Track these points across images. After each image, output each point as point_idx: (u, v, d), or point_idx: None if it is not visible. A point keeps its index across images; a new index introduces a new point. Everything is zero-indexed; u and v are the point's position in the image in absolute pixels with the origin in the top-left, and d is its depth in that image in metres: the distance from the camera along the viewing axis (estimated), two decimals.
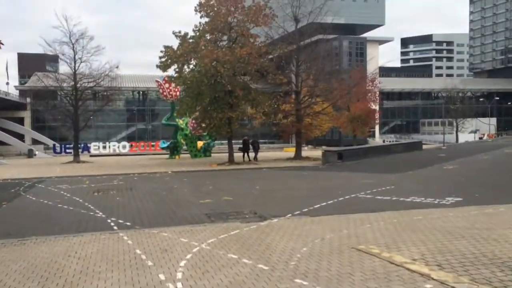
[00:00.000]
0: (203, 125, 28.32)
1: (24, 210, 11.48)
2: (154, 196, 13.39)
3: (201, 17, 27.48)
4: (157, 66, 26.88)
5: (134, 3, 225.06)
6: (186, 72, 26.98)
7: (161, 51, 26.39)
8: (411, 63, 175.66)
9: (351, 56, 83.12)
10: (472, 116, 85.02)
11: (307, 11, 30.69)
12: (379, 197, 11.89)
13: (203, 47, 25.01)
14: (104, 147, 61.57)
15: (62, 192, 14.93)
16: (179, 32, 27.00)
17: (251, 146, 29.78)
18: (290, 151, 53.41)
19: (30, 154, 54.81)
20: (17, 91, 75.24)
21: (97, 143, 62.42)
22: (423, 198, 11.34)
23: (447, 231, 7.43)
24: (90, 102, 40.58)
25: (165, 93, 37.71)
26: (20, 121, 70.39)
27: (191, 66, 27.24)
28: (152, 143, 61.87)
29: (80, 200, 12.74)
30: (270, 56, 28.71)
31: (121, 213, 10.53)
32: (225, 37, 28.21)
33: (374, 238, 7.10)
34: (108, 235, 8.10)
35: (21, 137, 65.63)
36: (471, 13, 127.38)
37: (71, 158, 37.20)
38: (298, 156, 30.52)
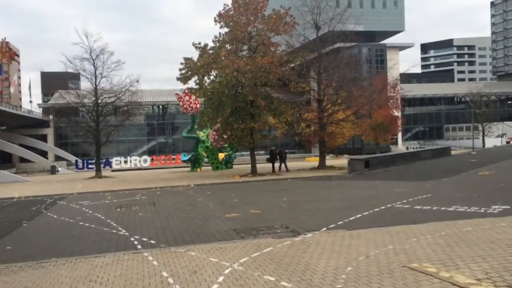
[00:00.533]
0: (225, 136, 27.86)
1: (44, 229, 11.07)
2: (178, 211, 12.85)
3: (220, 27, 27.24)
4: (177, 78, 26.64)
5: (153, 20, 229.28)
6: (206, 84, 26.65)
7: (181, 63, 26.17)
8: (432, 68, 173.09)
9: (371, 63, 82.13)
10: (498, 120, 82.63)
11: (328, 18, 30.11)
12: (417, 207, 11.06)
13: (223, 58, 24.63)
14: (126, 162, 61.92)
15: (84, 208, 14.55)
16: (199, 43, 26.77)
17: (277, 156, 29.08)
18: (313, 161, 52.57)
19: (53, 170, 55.43)
20: (40, 108, 76.76)
21: (118, 158, 62.85)
22: (466, 207, 10.46)
23: (506, 245, 6.62)
24: (111, 117, 40.78)
25: (185, 106, 37.54)
26: (43, 138, 71.69)
27: (211, 77, 26.91)
28: (173, 157, 62.02)
29: (102, 217, 12.29)
30: (292, 65, 28.14)
31: (144, 230, 10.00)
32: (245, 47, 27.83)
33: (426, 255, 6.34)
34: (131, 255, 7.55)
35: (44, 154, 66.69)
36: (492, 16, 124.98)
37: (93, 173, 37.23)
38: (322, 165, 29.71)
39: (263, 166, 29.73)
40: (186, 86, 36.91)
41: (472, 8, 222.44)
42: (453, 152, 36.11)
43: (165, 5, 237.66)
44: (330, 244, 7.46)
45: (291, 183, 20.78)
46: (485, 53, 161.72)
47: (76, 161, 60.32)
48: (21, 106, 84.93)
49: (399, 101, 57.49)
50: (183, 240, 8.70)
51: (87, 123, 36.42)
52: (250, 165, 27.99)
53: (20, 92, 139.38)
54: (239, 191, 17.91)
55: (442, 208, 10.58)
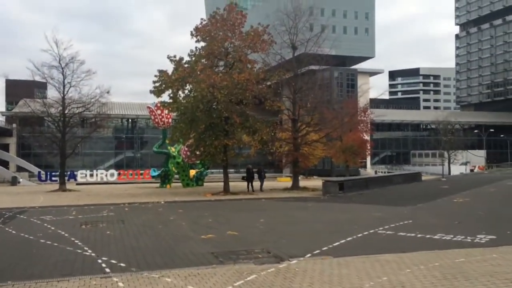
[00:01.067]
0: (197, 152, 27.12)
1: (1, 245, 10.03)
2: (149, 229, 12.03)
3: (196, 41, 26.75)
4: (150, 91, 25.87)
5: (126, 32, 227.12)
6: (181, 98, 25.99)
7: (155, 75, 25.46)
8: (399, 95, 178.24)
9: (342, 86, 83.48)
10: (462, 148, 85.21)
11: (304, 39, 30.21)
12: (402, 234, 10.72)
13: (199, 72, 24.11)
14: (92, 175, 59.65)
15: (45, 224, 13.48)
16: (174, 56, 26.17)
17: (254, 175, 28.02)
18: (284, 181, 52.27)
19: (13, 181, 52.64)
20: (3, 117, 73.55)
21: (84, 171, 60.52)
22: (452, 236, 10.19)
23: (506, 279, 6.28)
24: (78, 129, 39.20)
25: (156, 120, 36.58)
26: (5, 147, 68.44)
27: (186, 92, 26.29)
28: (141, 171, 60.28)
29: (66, 235, 11.34)
30: (268, 83, 27.90)
31: (113, 250, 9.18)
32: (221, 63, 27.46)
33: None
34: (99, 280, 6.77)
35: (5, 164, 63.57)
36: (457, 48, 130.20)
37: (56, 186, 35.45)
38: (295, 186, 29.36)
39: (235, 184, 29.05)
40: (159, 100, 36.39)
41: (438, 39, 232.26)
42: (423, 178, 36.60)
43: (138, 18, 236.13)
44: (319, 273, 6.93)
45: (266, 203, 20.22)
46: (450, 83, 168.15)
47: (39, 172, 57.67)
48: None
49: (369, 125, 58.43)
50: (156, 263, 7.96)
51: (53, 133, 34.82)
52: (222, 183, 27.28)
53: None
54: (212, 210, 17.19)
55: (427, 236, 10.27)
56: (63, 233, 11.64)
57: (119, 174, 60.12)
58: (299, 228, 11.93)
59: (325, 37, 32.56)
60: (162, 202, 20.81)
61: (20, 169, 64.38)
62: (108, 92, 33.71)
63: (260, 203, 20.36)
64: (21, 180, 53.93)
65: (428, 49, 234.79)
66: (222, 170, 29.17)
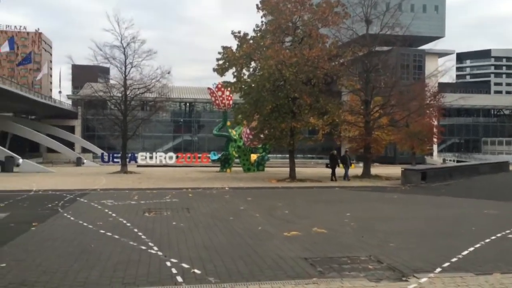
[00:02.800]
0: (262, 136, 25.36)
1: (56, 236, 8.75)
2: (219, 222, 10.38)
3: (262, 16, 24.82)
4: (213, 69, 24.31)
5: (180, 19, 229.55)
6: (245, 77, 24.24)
7: (219, 52, 23.85)
8: (468, 79, 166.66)
9: (407, 68, 78.28)
10: None
11: (380, 12, 27.28)
12: None
13: (266, 48, 22.13)
14: (151, 158, 60.30)
15: (106, 210, 12.27)
16: (238, 32, 24.38)
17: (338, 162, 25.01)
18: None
19: (78, 162, 54.17)
20: (70, 100, 76.19)
21: (144, 153, 61.31)
22: None
23: None
24: (139, 110, 38.72)
25: (217, 101, 35.29)
26: (71, 129, 71.04)
27: (251, 70, 24.48)
28: (199, 155, 60.09)
29: (128, 224, 9.96)
30: (342, 60, 25.36)
31: (182, 249, 7.56)
32: (288, 39, 25.34)
33: None
34: None
35: (71, 145, 65.85)
36: None
37: (118, 167, 35.36)
38: (367, 174, 26.89)
39: (298, 170, 27.07)
40: (220, 80, 34.95)
41: (506, 19, 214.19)
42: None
43: (192, 5, 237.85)
44: None
45: (341, 193, 18.10)
46: None
47: (102, 154, 59.05)
48: (51, 96, 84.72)
49: (438, 110, 53.91)
50: (239, 271, 6.20)
51: (115, 115, 34.55)
52: (283, 169, 25.43)
53: (51, 83, 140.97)
54: (284, 199, 15.36)
55: None
56: (125, 222, 10.29)
57: (177, 157, 60.25)
58: (399, 227, 9.77)
59: (400, 13, 29.40)
60: (227, 188, 19.30)
61: (84, 150, 66.48)
62: (169, 73, 32.86)
63: (335, 192, 18.26)
64: (85, 161, 55.35)
65: (497, 31, 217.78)
66: (281, 155, 27.28)
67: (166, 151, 67.75)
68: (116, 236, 8.57)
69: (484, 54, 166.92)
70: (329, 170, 24.88)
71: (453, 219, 10.93)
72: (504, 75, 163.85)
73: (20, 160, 34.50)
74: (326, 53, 22.86)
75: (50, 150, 63.84)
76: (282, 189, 19.36)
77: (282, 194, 17.16)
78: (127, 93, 32.68)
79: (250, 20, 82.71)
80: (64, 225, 9.95)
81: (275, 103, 23.19)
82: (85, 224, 10.03)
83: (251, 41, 23.84)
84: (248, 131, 31.58)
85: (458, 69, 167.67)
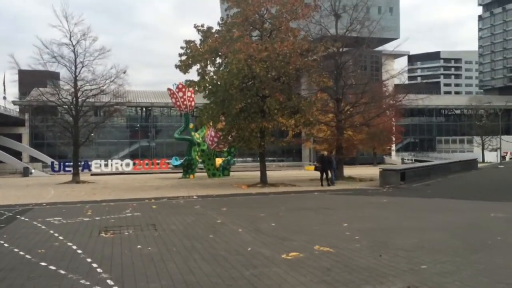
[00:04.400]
0: (230, 138, 23.44)
1: None
2: (197, 242, 8.36)
3: (226, 9, 23.00)
4: (176, 66, 22.18)
5: (133, 24, 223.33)
6: (211, 73, 22.25)
7: (181, 47, 21.75)
8: (419, 80, 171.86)
9: (365, 69, 78.76)
10: (495, 134, 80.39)
11: (349, 6, 26.15)
12: None
13: (234, 41, 20.23)
14: (106, 165, 56.83)
15: (51, 231, 9.94)
16: (202, 25, 22.40)
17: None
18: (312, 169, 48.56)
19: (25, 172, 50.00)
20: (16, 107, 70.90)
21: (98, 161, 57.68)
22: None
23: None
24: (91, 115, 35.64)
25: (178, 103, 32.99)
26: (18, 138, 65.97)
27: (216, 66, 22.53)
28: (157, 161, 57.44)
29: (79, 251, 7.76)
30: (314, 57, 23.85)
31: None
32: (256, 33, 23.61)
33: None
34: None
35: (18, 154, 61.06)
36: (480, 29, 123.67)
37: (70, 177, 32.29)
38: (340, 176, 25.55)
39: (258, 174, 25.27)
40: (180, 82, 32.72)
41: (452, 22, 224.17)
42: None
43: (144, 9, 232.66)
44: None
45: (323, 198, 16.47)
46: (471, 67, 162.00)
47: (52, 163, 54.90)
48: None
49: (397, 111, 54.05)
50: None
51: (65, 119, 31.52)
52: (248, 173, 23.71)
53: None
54: (263, 208, 13.50)
55: None
56: (75, 247, 8.07)
57: (134, 164, 57.24)
58: (416, 240, 8.12)
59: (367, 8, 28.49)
60: (195, 197, 17.23)
61: (33, 159, 61.85)
62: (124, 73, 30.24)
63: (316, 198, 16.62)
64: (33, 170, 51.25)
65: (443, 33, 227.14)
66: (241, 159, 25.46)
67: (122, 158, 64.33)
68: (62, 271, 6.38)
69: (434, 56, 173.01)
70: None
71: (468, 227, 9.49)
72: (452, 76, 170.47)
73: None
74: (298, 47, 21.26)
75: None
76: (257, 196, 17.49)
77: (260, 202, 15.29)
78: (78, 95, 29.78)
79: (205, 22, 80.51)
80: None
81: (244, 102, 21.37)
82: (21, 253, 7.72)
83: (216, 35, 21.90)
84: (212, 133, 29.60)
85: (409, 70, 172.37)
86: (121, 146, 74.10)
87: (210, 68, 22.62)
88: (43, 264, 6.86)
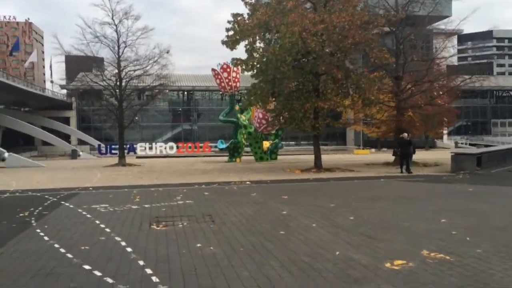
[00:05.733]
0: (281, 119, 21.79)
1: (14, 272, 5.26)
2: (267, 241, 6.86)
3: None
4: (222, 42, 20.69)
5: (171, 10, 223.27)
6: (260, 50, 20.56)
7: (228, 21, 20.18)
8: (469, 60, 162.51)
9: (415, 48, 74.63)
10: None
11: None
12: None
13: (287, 12, 18.38)
14: (151, 148, 56.91)
15: (97, 221, 8.77)
16: None
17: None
18: (363, 154, 46.28)
19: (73, 155, 50.79)
20: (63, 91, 72.36)
21: (143, 144, 57.83)
22: None
23: None
24: (134, 97, 34.86)
25: (223, 84, 31.65)
26: (66, 121, 67.63)
27: (267, 41, 20.82)
28: (200, 144, 56.92)
29: (128, 249, 6.47)
30: (375, 30, 21.58)
31: None
32: (308, 5, 21.64)
33: None
34: None
35: (67, 137, 62.49)
36: None
37: (116, 159, 31.89)
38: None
39: (310, 158, 23.53)
40: (224, 62, 31.30)
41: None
42: None
43: None
44: None
45: (394, 185, 14.63)
46: None
47: (99, 145, 55.58)
48: (44, 88, 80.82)
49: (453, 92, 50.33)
50: None
51: (110, 101, 30.97)
52: (296, 157, 22.13)
53: (44, 74, 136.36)
54: (330, 196, 11.86)
55: None
56: (123, 244, 6.80)
57: (178, 147, 56.91)
58: None
59: None
60: (248, 183, 15.81)
61: (81, 142, 63.01)
62: (168, 52, 29.18)
63: (385, 185, 14.79)
64: (81, 153, 51.93)
65: (495, 12, 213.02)
66: (286, 142, 23.70)
67: (165, 141, 64.33)
68: (109, 280, 5.06)
69: (486, 35, 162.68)
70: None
71: None
72: (506, 56, 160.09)
73: (6, 154, 30.99)
74: (357, 19, 19.15)
75: (45, 143, 60.57)
76: (316, 182, 15.85)
77: (322, 190, 13.67)
78: (122, 76, 29.02)
79: (238, 10, 78.90)
80: (30, 254, 6.41)
81: (296, 80, 19.57)
82: (62, 250, 6.52)
83: (266, 8, 20.10)
84: (260, 115, 28.11)
85: (459, 51, 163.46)
86: (164, 129, 74.44)
87: (259, 44, 20.96)
88: (86, 267, 5.57)
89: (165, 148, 56.96)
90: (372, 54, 20.38)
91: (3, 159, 30.29)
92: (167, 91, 47.80)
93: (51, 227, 8.32)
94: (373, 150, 54.47)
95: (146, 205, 10.79)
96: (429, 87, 24.03)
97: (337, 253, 6.02)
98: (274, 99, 22.06)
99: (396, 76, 23.77)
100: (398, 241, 6.60)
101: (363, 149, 51.28)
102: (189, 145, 58.28)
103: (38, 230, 8.05)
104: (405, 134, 19.68)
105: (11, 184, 17.16)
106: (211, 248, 6.45)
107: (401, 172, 18.71)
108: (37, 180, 18.69)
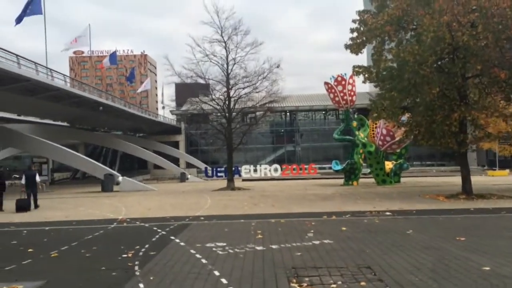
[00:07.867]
0: (417, 134, 18.12)
1: None
2: None
3: None
4: (345, 46, 17.92)
5: (267, 35, 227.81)
6: (393, 51, 17.28)
7: (353, 21, 17.37)
8: None
9: None
10: None
11: None
12: None
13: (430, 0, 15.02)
14: (255, 171, 55.58)
15: (215, 271, 6.39)
16: None
17: None
18: (499, 175, 39.71)
19: (182, 178, 51.46)
20: (174, 116, 75.54)
21: (247, 166, 56.81)
22: None
23: None
24: (240, 120, 33.39)
25: (337, 98, 28.73)
26: (176, 145, 70.04)
27: (400, 40, 17.53)
28: (306, 166, 54.21)
29: None
30: None
31: None
32: None
33: None
34: None
35: (176, 160, 64.47)
36: None
37: (222, 182, 30.48)
38: None
39: (422, 180, 19.24)
40: (338, 74, 28.53)
41: None
42: None
43: (276, 20, 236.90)
44: None
45: None
46: None
47: (206, 168, 55.93)
48: (157, 114, 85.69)
49: None
50: None
51: (218, 120, 29.90)
52: (418, 179, 18.00)
53: (156, 102, 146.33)
54: None
55: None
56: None
57: (282, 169, 54.83)
58: None
59: None
60: (388, 213, 12.57)
61: (188, 165, 64.42)
62: (278, 66, 27.14)
63: None
64: (189, 176, 52.43)
65: None
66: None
67: (269, 163, 62.86)
68: None
69: None
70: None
71: None
72: None
73: (120, 178, 31.36)
74: None
75: (157, 167, 63.07)
76: (483, 215, 11.99)
77: (501, 225, 9.94)
78: (231, 94, 27.69)
79: (338, 29, 75.85)
80: None
81: (440, 85, 15.93)
82: None
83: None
84: (384, 131, 24.54)
85: None
86: (266, 151, 73.46)
87: (388, 45, 17.74)
88: None
89: (270, 170, 55.31)
90: None
91: (117, 183, 30.64)
92: (275, 110, 46.35)
93: (158, 280, 6.11)
94: (507, 170, 46.84)
95: (273, 246, 8.23)
96: None
97: None
98: (404, 110, 18.59)
99: None
100: None
101: (498, 170, 44.14)
102: (294, 167, 55.88)
103: (142, 286, 5.85)
104: None
105: (120, 210, 16.05)
106: None
107: None
108: (148, 206, 17.42)
